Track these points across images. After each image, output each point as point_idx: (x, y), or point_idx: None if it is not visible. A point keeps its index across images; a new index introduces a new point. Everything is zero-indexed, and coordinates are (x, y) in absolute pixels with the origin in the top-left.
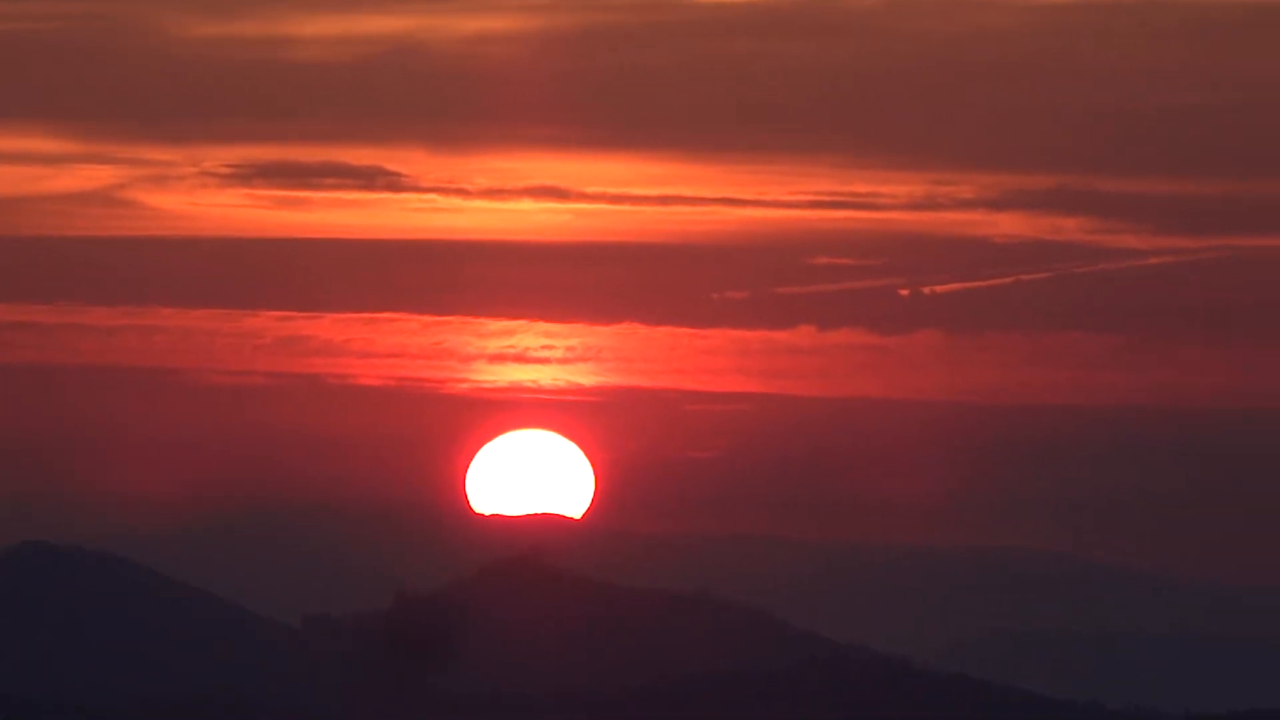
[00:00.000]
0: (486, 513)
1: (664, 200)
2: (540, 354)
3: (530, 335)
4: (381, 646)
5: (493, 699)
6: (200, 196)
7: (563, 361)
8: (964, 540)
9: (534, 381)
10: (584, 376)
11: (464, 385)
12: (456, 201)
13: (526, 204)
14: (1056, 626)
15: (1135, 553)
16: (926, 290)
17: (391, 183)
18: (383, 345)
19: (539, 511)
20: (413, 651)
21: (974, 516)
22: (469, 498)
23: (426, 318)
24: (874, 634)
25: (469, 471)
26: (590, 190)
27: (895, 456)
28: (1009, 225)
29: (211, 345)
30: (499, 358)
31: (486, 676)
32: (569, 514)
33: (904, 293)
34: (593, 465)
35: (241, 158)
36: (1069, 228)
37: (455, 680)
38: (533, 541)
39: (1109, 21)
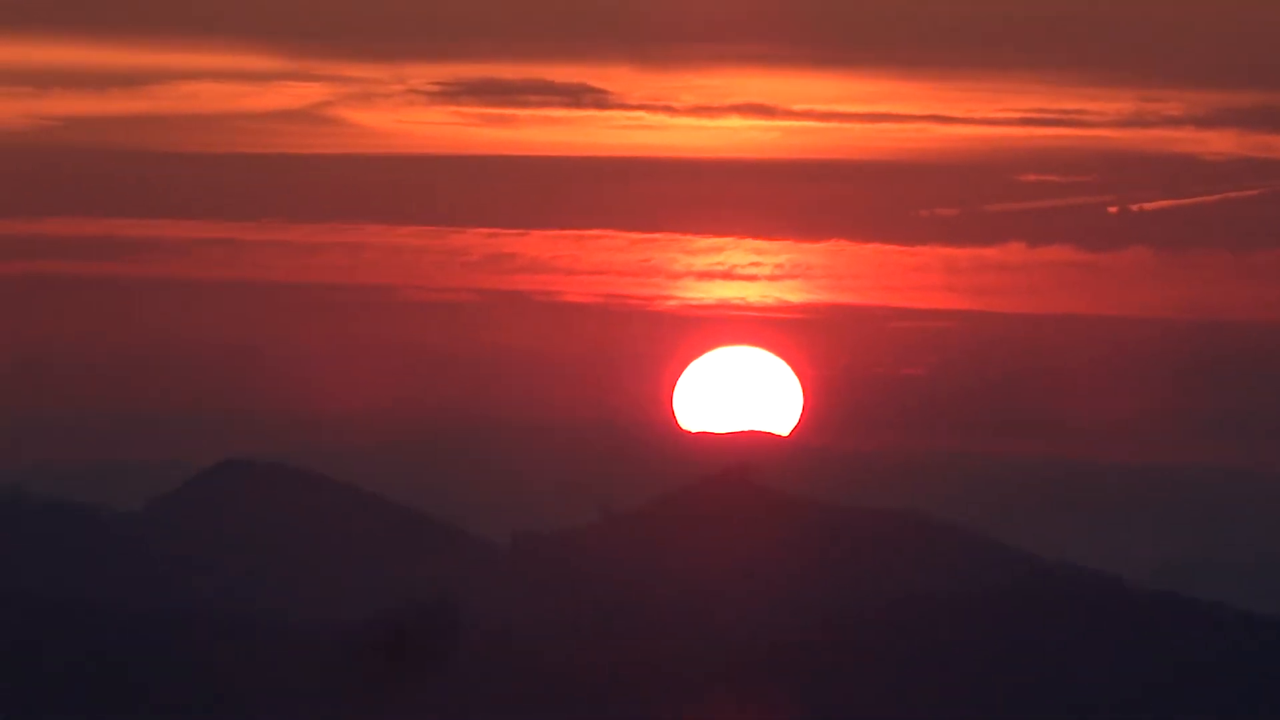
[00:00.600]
0: (694, 430)
1: (872, 118)
2: (748, 271)
3: (738, 252)
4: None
5: (697, 616)
6: (406, 114)
7: (771, 278)
8: (1173, 457)
9: (741, 298)
10: (792, 293)
11: (671, 302)
12: (663, 119)
13: (734, 121)
14: (1266, 546)
15: None
16: (1135, 207)
17: (598, 100)
18: (589, 262)
19: (746, 429)
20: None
21: (1183, 433)
22: (676, 415)
23: (634, 234)
24: (1083, 552)
25: (676, 388)
26: (798, 108)
27: (1103, 373)
28: (1218, 142)
29: (418, 263)
30: (706, 275)
31: (691, 593)
32: (776, 431)
33: (1113, 210)
34: (800, 382)
35: (448, 75)
36: (1278, 145)
37: (658, 599)
38: (740, 459)
39: None
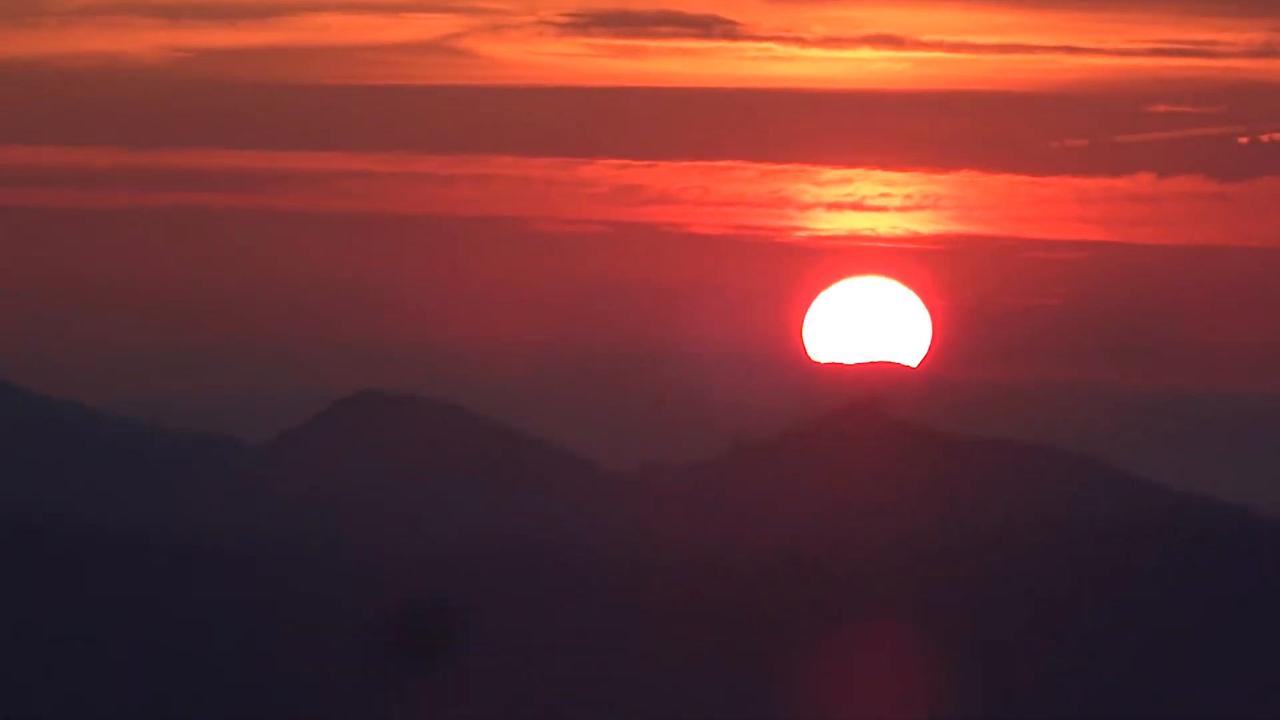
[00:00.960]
0: (823, 361)
1: (1002, 49)
2: (878, 202)
3: (868, 183)
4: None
5: (825, 544)
6: (537, 45)
7: (901, 209)
8: None
9: (871, 229)
10: (922, 224)
11: (801, 233)
12: (793, 50)
13: (864, 52)
14: None
15: None
16: (1265, 138)
17: (728, 31)
18: (719, 193)
19: (876, 360)
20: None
21: None
22: (806, 346)
23: (763, 165)
24: (1212, 482)
25: (806, 319)
26: (928, 39)
27: (1234, 303)
28: None
29: (547, 194)
30: (836, 206)
31: (820, 526)
32: (906, 362)
33: (1243, 140)
34: (930, 313)
35: (579, 6)
36: None
37: (795, 530)
38: (870, 390)
39: None
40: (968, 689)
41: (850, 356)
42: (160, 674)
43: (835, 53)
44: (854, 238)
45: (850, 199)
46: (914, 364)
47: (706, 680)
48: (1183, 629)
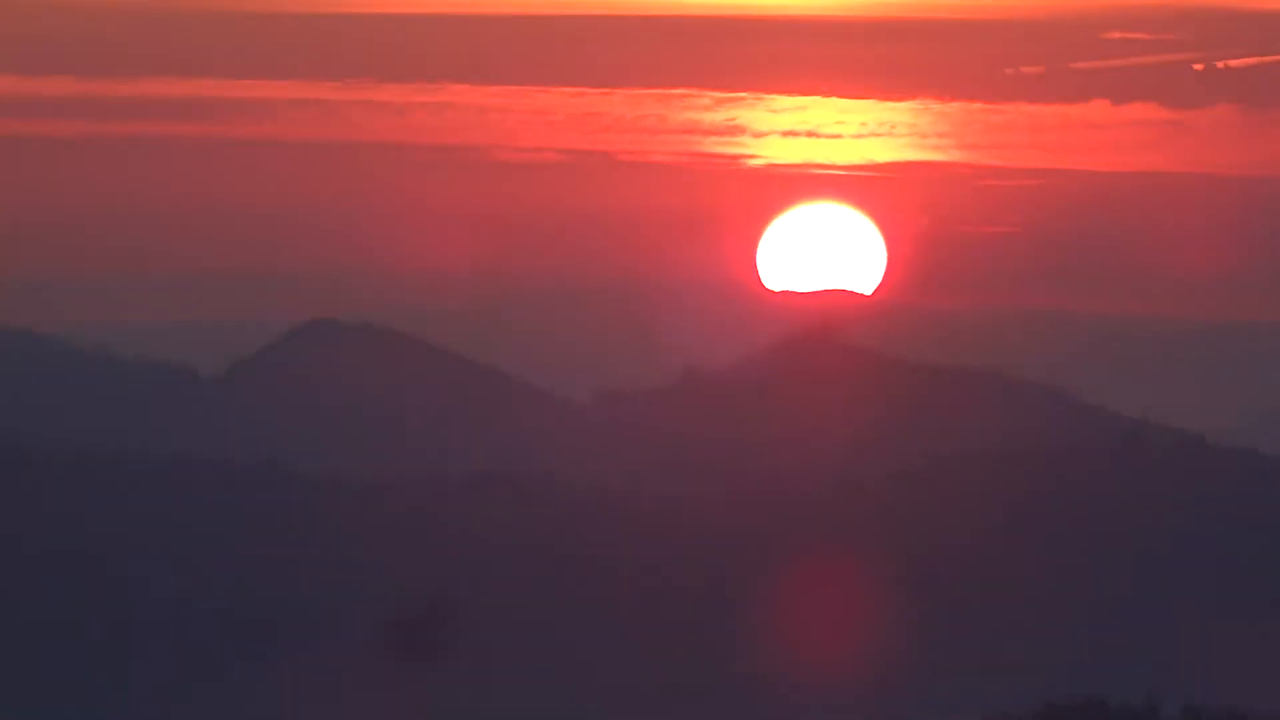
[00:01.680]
0: (778, 288)
1: None
2: (833, 129)
3: (823, 111)
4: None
5: (779, 471)
6: None
7: (856, 137)
8: (1256, 315)
9: (826, 157)
10: (877, 152)
11: (756, 161)
12: None
13: None
14: None
15: None
16: (1221, 65)
17: None
18: (675, 121)
19: (830, 287)
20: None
21: (1266, 291)
22: (760, 274)
23: (719, 93)
24: (1166, 409)
25: (760, 247)
26: None
27: (1188, 231)
28: None
29: (504, 122)
30: (791, 133)
31: (774, 450)
32: (861, 290)
33: (1198, 67)
34: (885, 240)
35: None
36: None
37: (746, 460)
38: (824, 317)
39: None
40: (922, 613)
41: (805, 284)
42: (113, 589)
43: None
44: (809, 165)
45: (805, 126)
46: (869, 291)
47: (662, 605)
48: (1136, 551)
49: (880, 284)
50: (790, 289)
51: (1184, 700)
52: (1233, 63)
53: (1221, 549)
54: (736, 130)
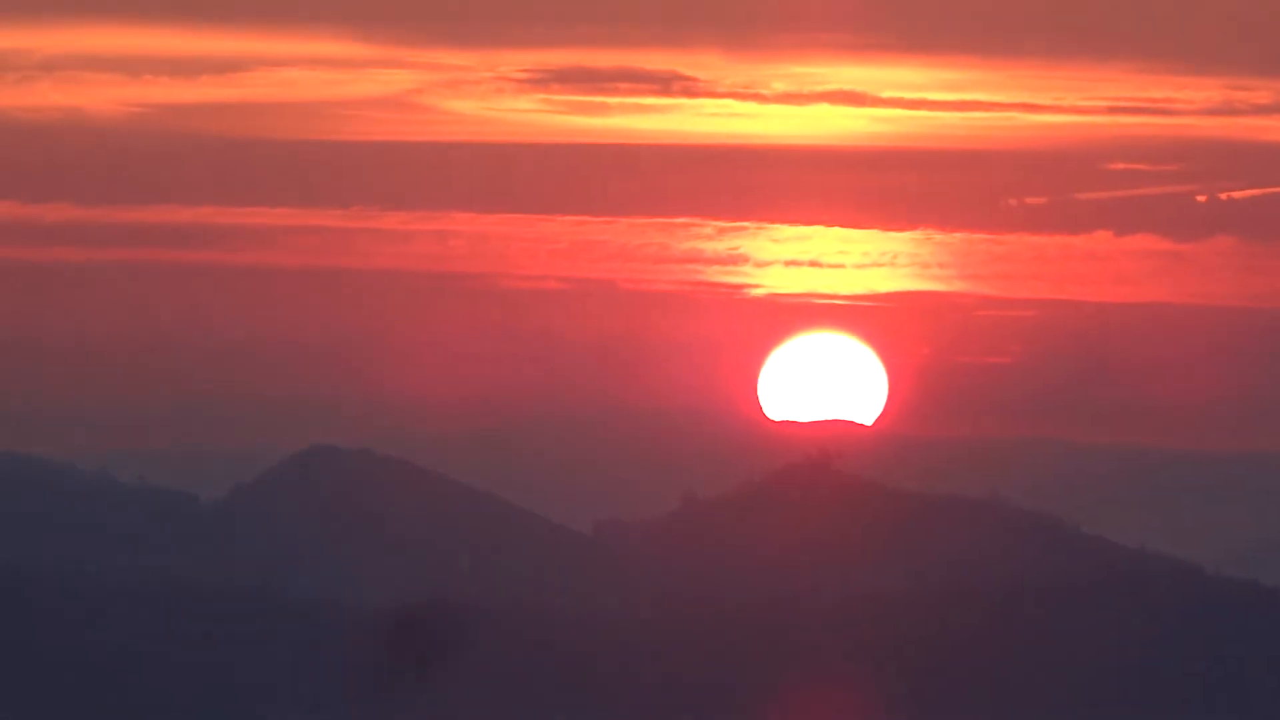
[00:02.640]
0: (778, 418)
1: (961, 105)
2: (835, 259)
3: (826, 240)
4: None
5: (777, 599)
6: (496, 101)
7: (858, 266)
8: (1256, 445)
9: (829, 287)
10: (879, 282)
11: (758, 290)
12: (753, 106)
13: (823, 109)
14: None
15: None
16: (1223, 196)
17: (687, 87)
18: (678, 250)
19: (830, 417)
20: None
21: (1268, 422)
22: (761, 403)
23: (722, 222)
24: (1165, 540)
25: (761, 376)
26: (887, 95)
27: (1189, 362)
28: None
29: (506, 250)
30: (794, 263)
31: (773, 578)
32: (860, 419)
33: (1201, 199)
34: (886, 370)
35: (538, 63)
36: None
37: (743, 585)
38: (823, 447)
39: None
40: None
41: (804, 414)
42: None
43: (794, 109)
44: (811, 295)
45: (808, 256)
46: (868, 421)
47: None
48: (1129, 683)
49: (880, 414)
50: (790, 418)
51: None
52: (1234, 194)
53: (1221, 681)
54: (739, 259)
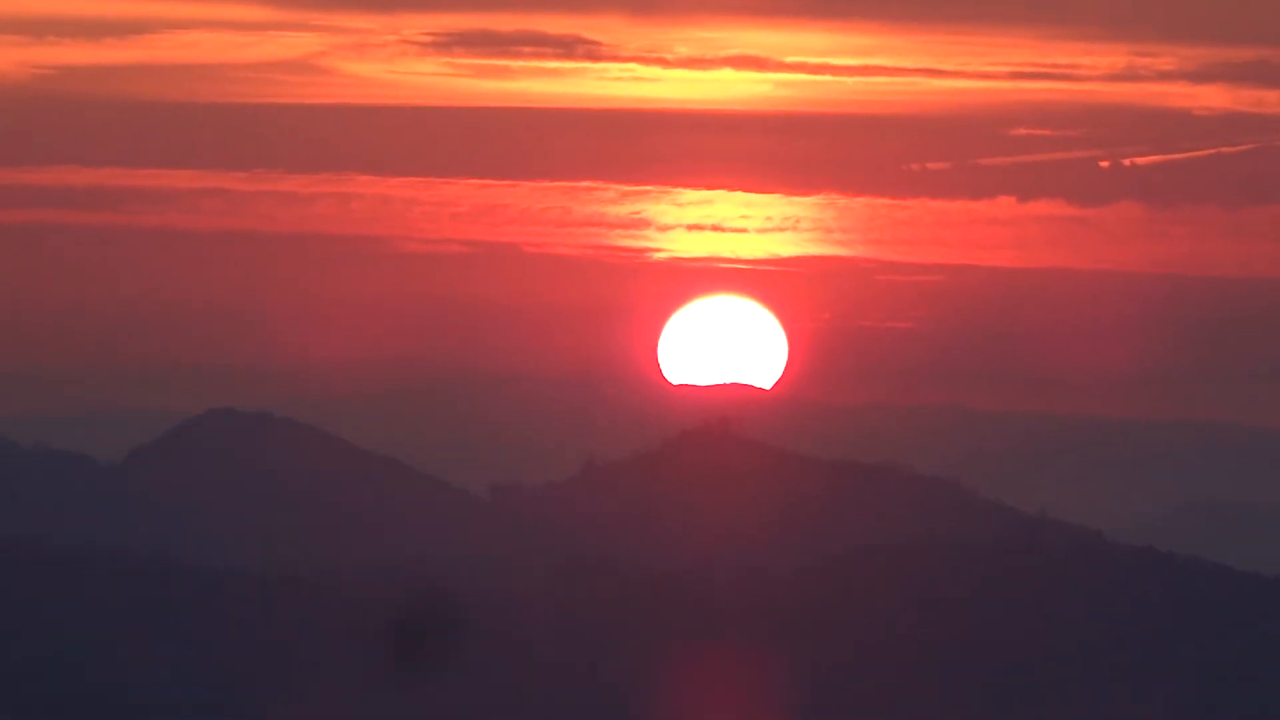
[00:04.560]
0: (678, 382)
1: (864, 70)
2: (738, 223)
3: (729, 205)
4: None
5: (680, 569)
6: (399, 65)
7: (761, 231)
8: (1158, 413)
9: (731, 251)
10: (781, 246)
11: (661, 254)
12: (656, 70)
13: (726, 73)
14: (1249, 500)
15: None
16: (1126, 162)
17: (590, 51)
18: (580, 214)
19: (730, 381)
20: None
21: (1168, 389)
22: (662, 367)
23: (625, 186)
24: (1064, 505)
25: (662, 340)
26: (790, 60)
27: (1091, 328)
28: (1209, 98)
29: (409, 213)
30: (697, 227)
31: (671, 543)
32: (760, 383)
33: (1104, 164)
34: (788, 334)
35: (441, 26)
36: (1270, 100)
37: (644, 552)
38: (722, 411)
39: None
40: (812, 708)
41: (705, 377)
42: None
43: (698, 74)
44: (713, 259)
45: (710, 220)
46: (768, 385)
47: (558, 698)
48: (1033, 647)
49: (780, 378)
50: (690, 382)
51: None
52: (1137, 160)
53: (1117, 646)
54: (642, 223)
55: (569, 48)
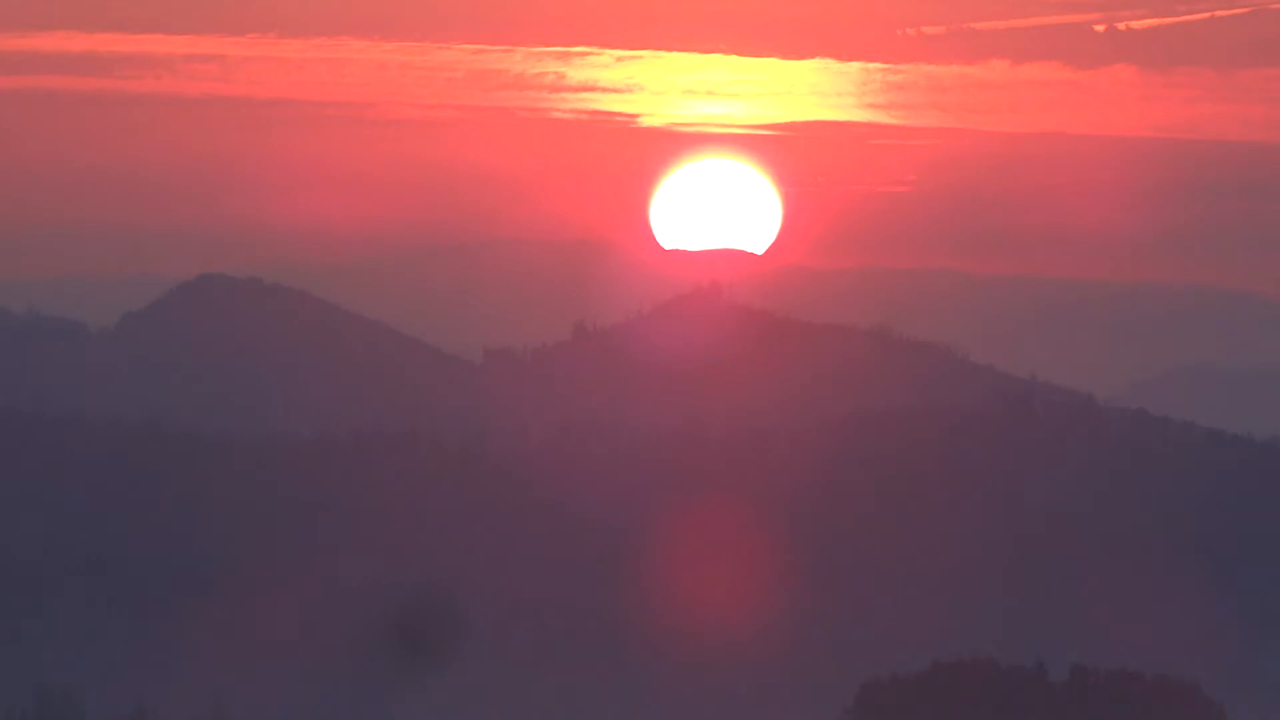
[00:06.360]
0: (671, 246)
1: None
2: (732, 88)
3: (722, 70)
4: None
5: (671, 432)
6: None
7: (755, 95)
8: (1148, 276)
9: (725, 116)
10: (775, 111)
11: (655, 120)
12: None
13: None
14: (1242, 363)
15: None
16: (1122, 25)
17: None
18: (575, 79)
19: (722, 246)
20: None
21: (1163, 253)
22: (654, 232)
23: (619, 52)
24: (1056, 369)
25: (653, 205)
26: None
27: (1086, 192)
28: None
29: (402, 79)
30: (691, 91)
31: (667, 406)
32: (753, 248)
33: (1099, 28)
34: (782, 199)
35: None
36: None
37: (634, 411)
38: (715, 276)
39: None
40: (815, 571)
41: (697, 242)
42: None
43: None
44: (707, 124)
45: (704, 85)
46: (761, 250)
47: (556, 562)
48: (1025, 511)
49: (774, 243)
50: (682, 247)
51: (1073, 660)
52: (1132, 24)
53: (1110, 509)
54: (636, 88)
55: None
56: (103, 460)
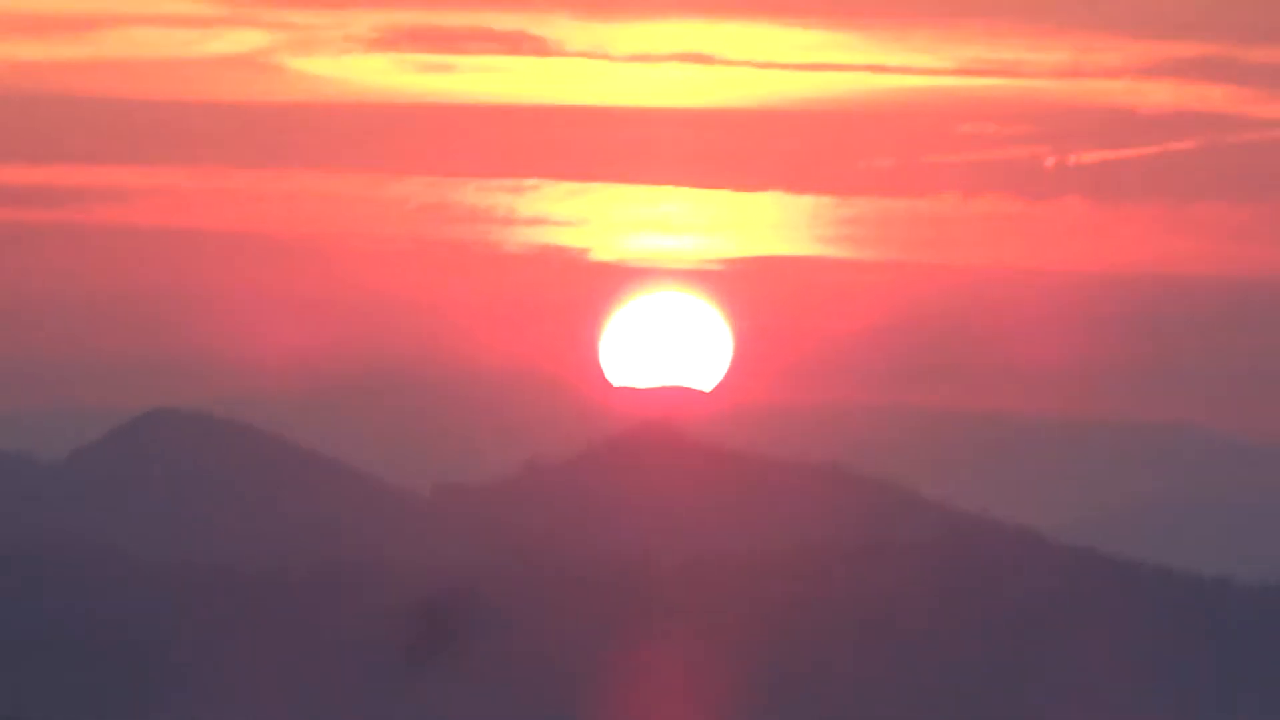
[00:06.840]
0: (619, 383)
1: (810, 67)
2: (684, 221)
3: (674, 202)
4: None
5: (622, 568)
6: (346, 61)
7: (707, 229)
8: (1103, 412)
9: (677, 250)
10: (727, 245)
11: (606, 254)
12: (602, 66)
13: (672, 68)
14: (1193, 500)
15: (1277, 426)
16: (1071, 159)
17: (536, 47)
18: (526, 212)
19: (672, 382)
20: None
21: (1114, 388)
22: (603, 367)
23: (571, 184)
24: (1006, 505)
25: (603, 340)
26: (736, 57)
27: (1036, 326)
28: (1155, 94)
29: (355, 211)
30: (642, 224)
31: (613, 544)
32: (702, 384)
33: (1049, 162)
34: (733, 333)
35: (387, 22)
36: (1216, 97)
37: (585, 550)
38: (665, 411)
39: None
40: (762, 704)
41: (646, 378)
42: None
43: (643, 68)
44: (659, 258)
45: (656, 218)
46: (710, 385)
47: (503, 694)
48: (974, 648)
49: (725, 377)
50: (631, 383)
51: None
52: (1083, 157)
53: (1058, 647)
54: (587, 221)
55: (515, 43)
56: (54, 589)
